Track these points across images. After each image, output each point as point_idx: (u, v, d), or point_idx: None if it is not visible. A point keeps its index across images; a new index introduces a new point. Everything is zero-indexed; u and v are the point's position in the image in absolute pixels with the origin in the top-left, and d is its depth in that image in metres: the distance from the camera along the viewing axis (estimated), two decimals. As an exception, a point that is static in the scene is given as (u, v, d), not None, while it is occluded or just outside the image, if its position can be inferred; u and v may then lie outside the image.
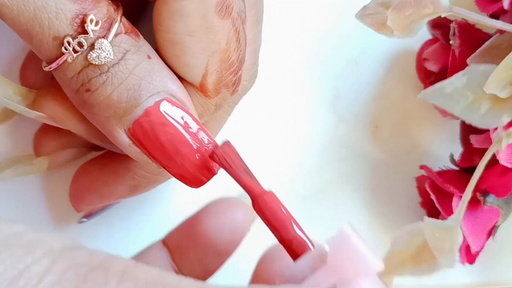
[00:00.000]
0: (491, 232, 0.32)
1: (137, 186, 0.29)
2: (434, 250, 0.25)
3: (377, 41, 0.35)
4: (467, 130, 0.33)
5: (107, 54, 0.24)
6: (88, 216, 0.32)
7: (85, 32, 0.23)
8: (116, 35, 0.24)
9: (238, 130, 0.34)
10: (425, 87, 0.35)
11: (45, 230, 0.20)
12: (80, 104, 0.25)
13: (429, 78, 0.35)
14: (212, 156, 0.25)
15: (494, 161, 0.29)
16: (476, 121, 0.26)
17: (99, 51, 0.24)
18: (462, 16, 0.27)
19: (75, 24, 0.23)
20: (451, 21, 0.32)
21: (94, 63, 0.24)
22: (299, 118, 0.35)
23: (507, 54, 0.26)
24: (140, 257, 0.28)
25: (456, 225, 0.25)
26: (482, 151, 0.29)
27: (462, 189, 0.31)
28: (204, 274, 0.27)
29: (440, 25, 0.33)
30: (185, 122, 0.25)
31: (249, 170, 0.25)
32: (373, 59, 0.36)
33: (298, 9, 0.36)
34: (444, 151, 0.34)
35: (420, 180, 0.34)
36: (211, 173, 0.25)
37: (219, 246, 0.27)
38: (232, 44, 0.26)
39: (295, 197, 0.35)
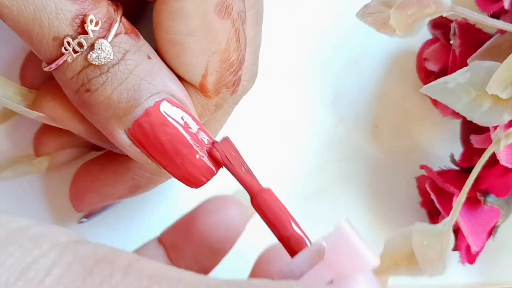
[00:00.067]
0: (491, 232, 0.32)
1: (137, 186, 0.29)
2: (420, 259, 0.25)
3: (377, 41, 0.35)
4: (468, 130, 0.33)
5: (107, 54, 0.24)
6: (88, 216, 0.32)
7: (85, 32, 0.23)
8: (116, 35, 0.24)
9: (238, 130, 0.34)
10: (425, 87, 0.35)
11: (50, 224, 0.20)
12: (80, 104, 0.25)
13: (429, 78, 0.35)
14: (211, 152, 0.25)
15: (494, 161, 0.29)
16: (477, 118, 0.26)
17: (99, 52, 0.24)
18: (463, 16, 0.27)
19: (75, 25, 0.23)
20: (451, 21, 0.32)
21: (94, 63, 0.24)
22: (299, 118, 0.35)
23: (508, 54, 0.26)
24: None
25: (448, 229, 0.25)
26: (483, 151, 0.29)
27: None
28: (200, 272, 0.27)
29: (440, 25, 0.33)
30: (185, 122, 0.25)
31: (248, 167, 0.25)
32: (373, 59, 0.36)
33: (298, 9, 0.36)
34: (444, 151, 0.34)
35: (420, 180, 0.34)
36: (211, 173, 0.25)
37: (215, 244, 0.27)
38: (232, 44, 0.26)
39: (295, 197, 0.35)
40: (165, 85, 0.25)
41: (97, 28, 0.24)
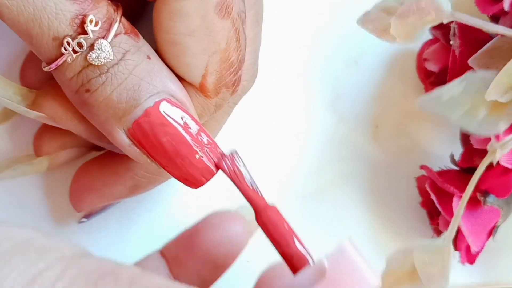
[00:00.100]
0: (491, 232, 0.32)
1: (137, 186, 0.29)
2: (423, 277, 0.25)
3: (377, 41, 0.35)
4: (467, 130, 0.33)
5: (106, 54, 0.24)
6: (88, 216, 0.32)
7: (84, 32, 0.23)
8: (115, 35, 0.24)
9: (238, 130, 0.34)
10: (425, 87, 0.35)
11: (55, 237, 0.20)
12: (80, 105, 0.25)
13: (429, 78, 0.35)
14: (219, 165, 0.25)
15: (494, 161, 0.29)
16: (474, 128, 0.27)
17: (99, 52, 0.24)
18: (464, 22, 0.27)
19: (75, 25, 0.23)
20: (451, 21, 0.32)
21: (93, 63, 0.24)
22: (299, 118, 0.35)
23: (508, 56, 0.27)
24: (138, 266, 0.28)
25: (448, 244, 0.25)
26: (482, 152, 0.29)
27: (462, 189, 0.31)
28: (201, 286, 0.28)
29: (440, 25, 0.33)
30: (185, 123, 0.25)
31: (255, 183, 0.25)
32: (373, 59, 0.36)
33: (298, 9, 0.36)
34: (444, 151, 0.34)
35: (420, 180, 0.34)
36: (210, 174, 0.25)
37: (217, 259, 0.27)
38: (232, 44, 0.26)
39: (295, 197, 0.35)
40: (165, 85, 0.25)
41: (96, 28, 0.24)
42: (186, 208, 0.34)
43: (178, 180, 0.25)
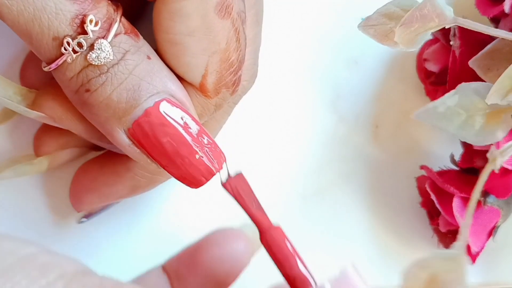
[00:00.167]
0: (491, 232, 0.32)
1: (137, 186, 0.29)
2: (443, 284, 0.25)
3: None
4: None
5: (106, 54, 0.24)
6: (88, 216, 0.32)
7: (84, 32, 0.23)
8: (115, 35, 0.24)
9: (238, 130, 0.34)
10: (425, 87, 0.35)
11: (58, 253, 0.20)
12: (80, 105, 0.25)
13: (429, 78, 0.35)
14: (225, 186, 0.26)
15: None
16: (472, 139, 0.27)
17: (99, 52, 0.24)
18: (466, 27, 0.27)
19: (75, 25, 0.23)
20: (452, 23, 0.32)
21: (93, 63, 0.24)
22: (299, 118, 0.35)
23: (509, 57, 0.27)
24: (140, 281, 0.28)
25: (461, 252, 0.25)
26: (482, 152, 0.29)
27: (462, 189, 0.31)
28: None
29: (440, 25, 0.33)
30: (185, 123, 0.25)
31: (259, 204, 0.26)
32: (373, 59, 0.36)
33: (298, 9, 0.36)
34: (444, 151, 0.34)
35: (420, 180, 0.34)
36: (210, 174, 0.25)
37: (219, 276, 0.27)
38: (232, 44, 0.26)
39: (295, 197, 0.35)
40: (165, 85, 0.25)
41: (96, 28, 0.24)
42: (187, 208, 0.34)
43: (178, 180, 0.25)
